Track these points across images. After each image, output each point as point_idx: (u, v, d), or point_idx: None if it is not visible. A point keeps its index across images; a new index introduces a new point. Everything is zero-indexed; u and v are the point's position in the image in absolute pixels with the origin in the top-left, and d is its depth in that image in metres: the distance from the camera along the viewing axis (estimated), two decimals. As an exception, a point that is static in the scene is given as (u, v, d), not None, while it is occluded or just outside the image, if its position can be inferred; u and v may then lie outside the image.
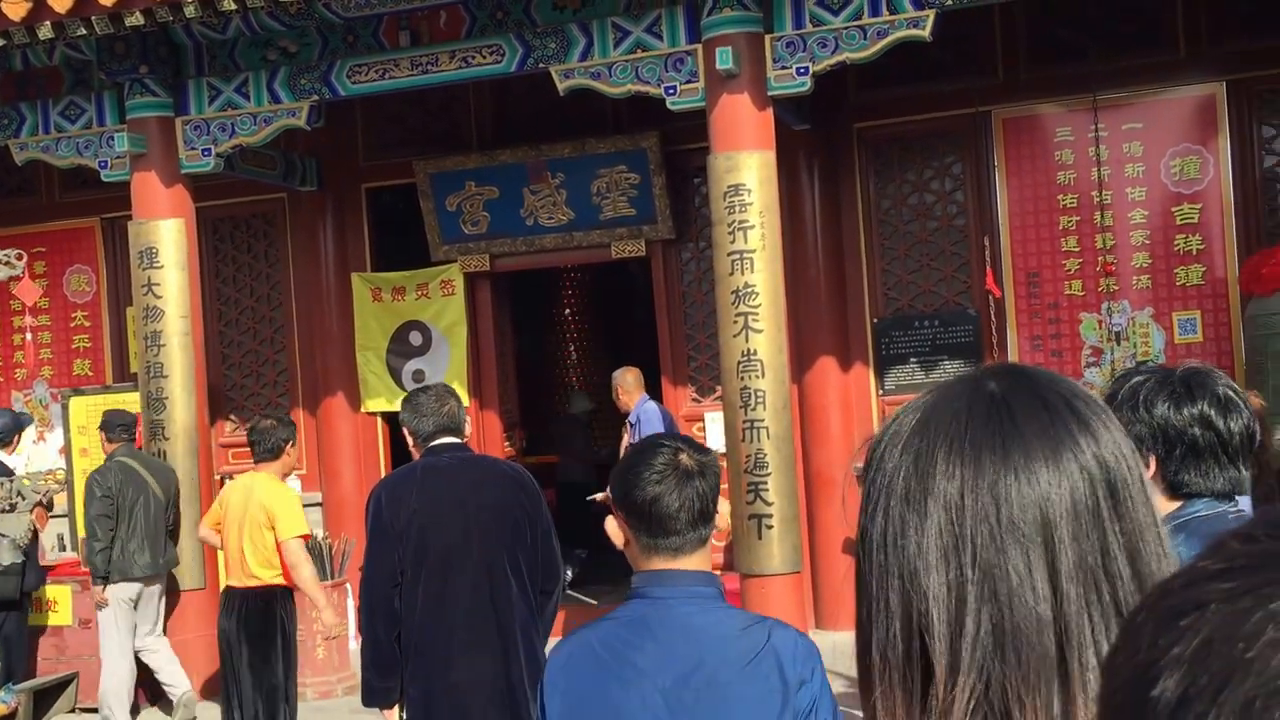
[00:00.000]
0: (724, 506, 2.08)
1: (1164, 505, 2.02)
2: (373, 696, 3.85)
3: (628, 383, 7.57)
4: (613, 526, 2.03)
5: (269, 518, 5.52)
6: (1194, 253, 7.39)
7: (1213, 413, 1.99)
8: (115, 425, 6.95)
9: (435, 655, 3.73)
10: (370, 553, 3.80)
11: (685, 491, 1.94)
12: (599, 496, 7.46)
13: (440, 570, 3.72)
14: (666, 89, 6.63)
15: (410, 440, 3.95)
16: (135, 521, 6.71)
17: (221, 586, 5.96)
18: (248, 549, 5.58)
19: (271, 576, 5.61)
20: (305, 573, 5.55)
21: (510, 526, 3.80)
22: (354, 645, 8.13)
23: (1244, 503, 2.05)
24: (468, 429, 4.04)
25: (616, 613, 2.00)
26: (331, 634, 5.66)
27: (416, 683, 3.75)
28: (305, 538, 5.64)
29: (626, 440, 7.57)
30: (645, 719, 1.87)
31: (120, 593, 6.74)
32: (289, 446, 5.70)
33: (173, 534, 7.17)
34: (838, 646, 5.82)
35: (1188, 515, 1.98)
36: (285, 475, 5.84)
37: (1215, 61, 7.31)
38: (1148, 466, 2.01)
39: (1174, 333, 7.41)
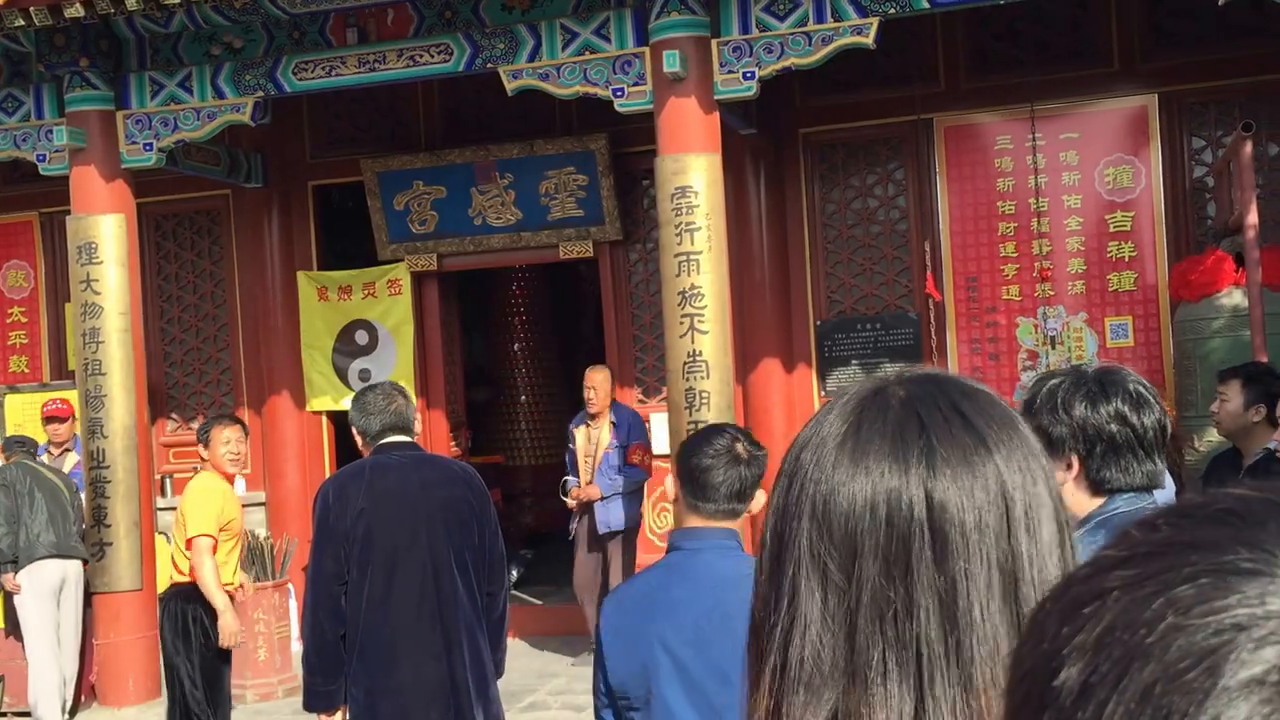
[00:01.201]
0: (760, 496, 2.41)
1: (1088, 503, 2.05)
2: (315, 700, 3.78)
3: (608, 383, 7.41)
4: (670, 483, 2.52)
5: (182, 514, 5.47)
6: (1126, 259, 7.58)
7: (1127, 409, 2.03)
8: (13, 444, 7.19)
9: (379, 656, 3.69)
10: (316, 552, 3.74)
11: (730, 472, 2.36)
12: (573, 495, 7.38)
13: (386, 570, 3.69)
14: (614, 91, 6.68)
15: (359, 440, 3.90)
16: (37, 505, 6.78)
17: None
18: (175, 546, 5.60)
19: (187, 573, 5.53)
20: (204, 574, 5.31)
21: (459, 526, 3.78)
22: (296, 647, 8.09)
23: (1161, 495, 2.11)
24: (417, 427, 4.01)
25: (658, 562, 2.45)
26: (230, 643, 5.36)
27: (359, 683, 3.71)
28: (210, 537, 5.35)
29: (607, 440, 7.31)
30: (679, 642, 2.24)
31: (35, 580, 6.70)
32: (214, 431, 5.58)
33: (85, 534, 7.16)
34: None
35: (1110, 511, 2.02)
36: (228, 465, 5.59)
37: (1148, 74, 7.51)
38: (1070, 467, 2.05)
39: (1106, 337, 7.59)
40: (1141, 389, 2.07)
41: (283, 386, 8.85)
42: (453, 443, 8.95)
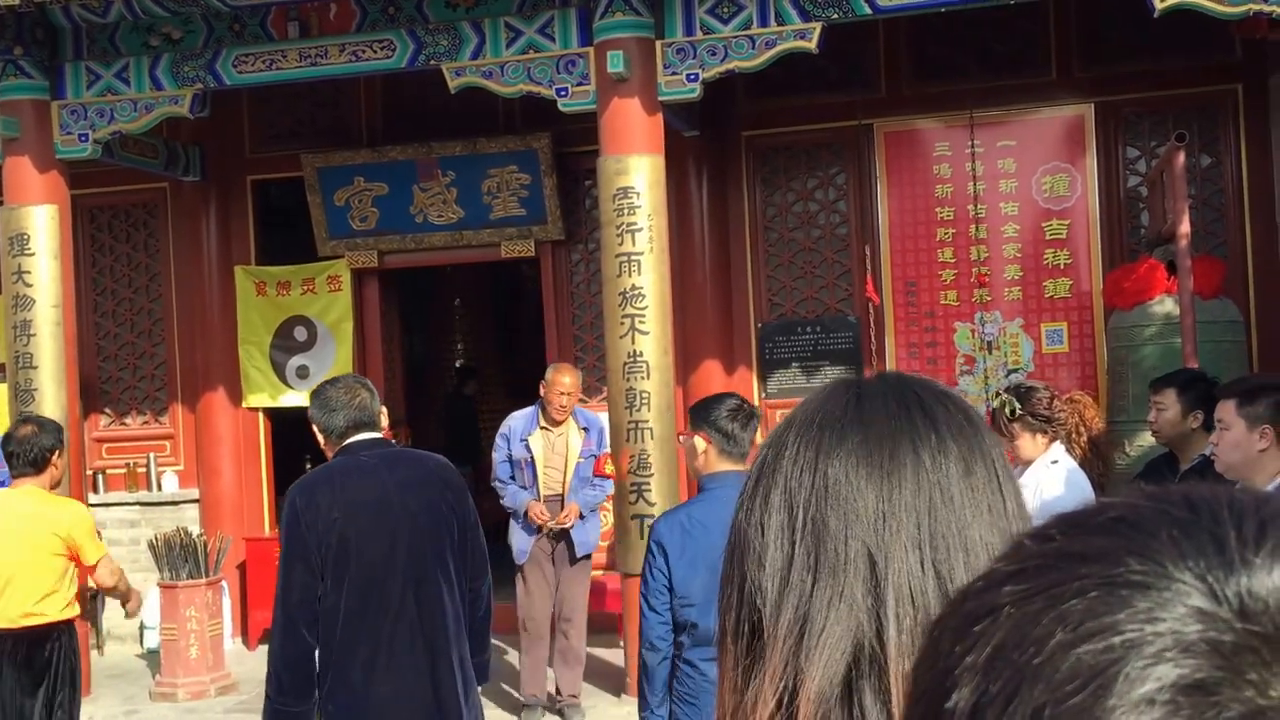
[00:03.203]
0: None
1: None
2: (281, 717, 3.49)
3: (579, 386, 6.55)
4: (698, 443, 3.33)
5: (65, 543, 4.60)
6: (1062, 267, 7.70)
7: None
8: None
9: (356, 674, 3.45)
10: (285, 565, 3.46)
11: (750, 425, 3.34)
12: (538, 517, 6.30)
13: (363, 583, 3.44)
14: (558, 90, 6.67)
15: (321, 439, 3.61)
16: None
17: None
18: (26, 581, 4.55)
19: (58, 611, 4.64)
20: (125, 584, 4.84)
21: (438, 527, 3.54)
22: (229, 645, 7.99)
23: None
24: (384, 421, 3.70)
25: (702, 496, 3.32)
26: (129, 615, 5.12)
27: (336, 701, 3.47)
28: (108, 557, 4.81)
29: (577, 448, 6.42)
30: (713, 558, 2.64)
31: None
32: (55, 456, 4.70)
33: None
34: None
35: None
36: (53, 489, 4.80)
37: (1085, 84, 7.63)
38: None
39: (1042, 343, 7.71)
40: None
41: (219, 382, 8.74)
42: (392, 441, 8.88)
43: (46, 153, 7.26)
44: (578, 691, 6.54)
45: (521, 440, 6.38)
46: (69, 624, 4.76)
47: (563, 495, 6.38)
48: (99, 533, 4.91)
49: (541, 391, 6.42)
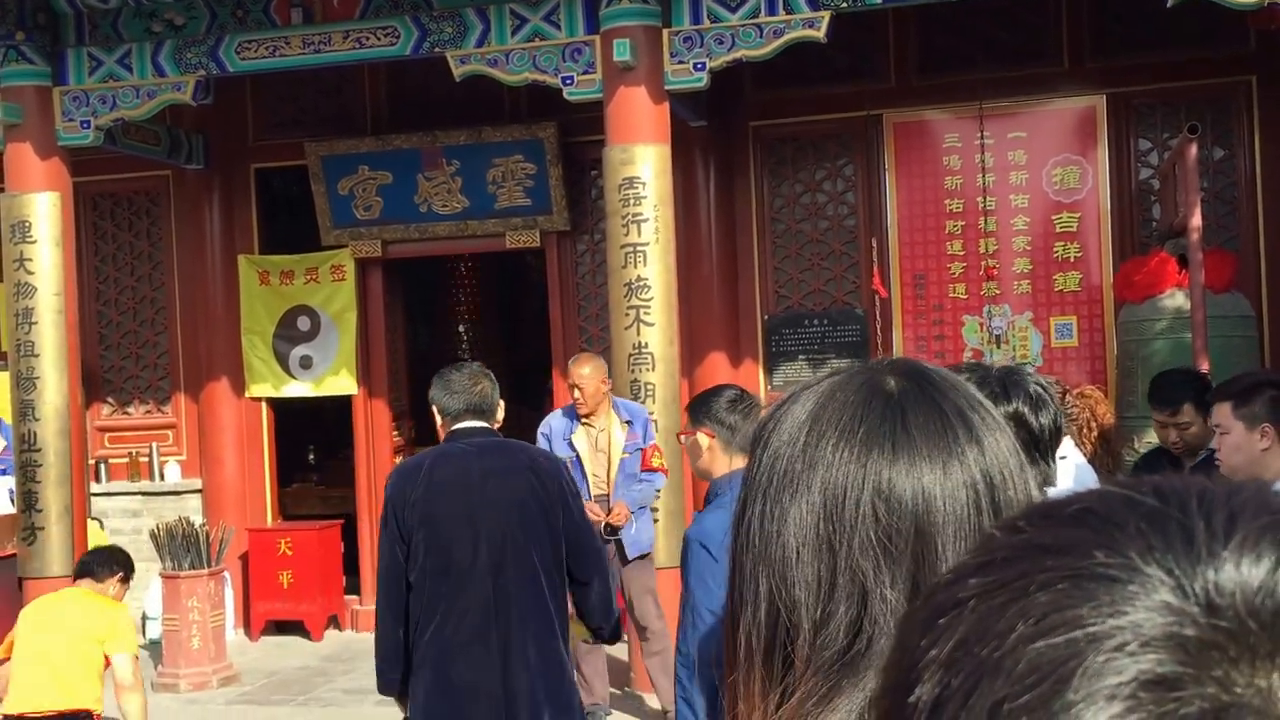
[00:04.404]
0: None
1: None
2: (383, 684, 3.70)
3: (598, 376, 6.03)
4: (702, 441, 3.17)
5: (101, 641, 4.73)
6: (1072, 260, 7.62)
7: (1026, 410, 2.02)
8: None
9: (433, 661, 3.52)
10: (381, 545, 3.63)
11: (751, 414, 3.13)
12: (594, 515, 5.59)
13: (441, 571, 3.51)
14: (564, 79, 6.61)
15: (438, 419, 3.70)
16: None
17: None
18: (66, 663, 4.70)
19: (89, 701, 4.72)
20: (136, 702, 4.72)
21: (524, 519, 3.54)
22: (231, 636, 7.96)
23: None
24: (499, 413, 3.75)
25: (725, 499, 2.96)
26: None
27: (419, 683, 3.55)
28: (136, 659, 4.86)
29: (621, 442, 5.98)
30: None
31: None
32: (113, 579, 4.99)
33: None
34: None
35: None
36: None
37: (1096, 75, 7.55)
38: None
39: (1051, 337, 7.64)
40: (1040, 389, 2.06)
41: (221, 372, 8.70)
42: (395, 433, 8.84)
43: (48, 139, 7.21)
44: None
45: (565, 440, 6.02)
46: (92, 716, 4.83)
47: (609, 494, 5.94)
48: (136, 641, 5.00)
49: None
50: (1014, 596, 0.40)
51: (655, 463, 5.91)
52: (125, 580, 5.10)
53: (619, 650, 7.18)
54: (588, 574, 3.69)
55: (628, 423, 5.95)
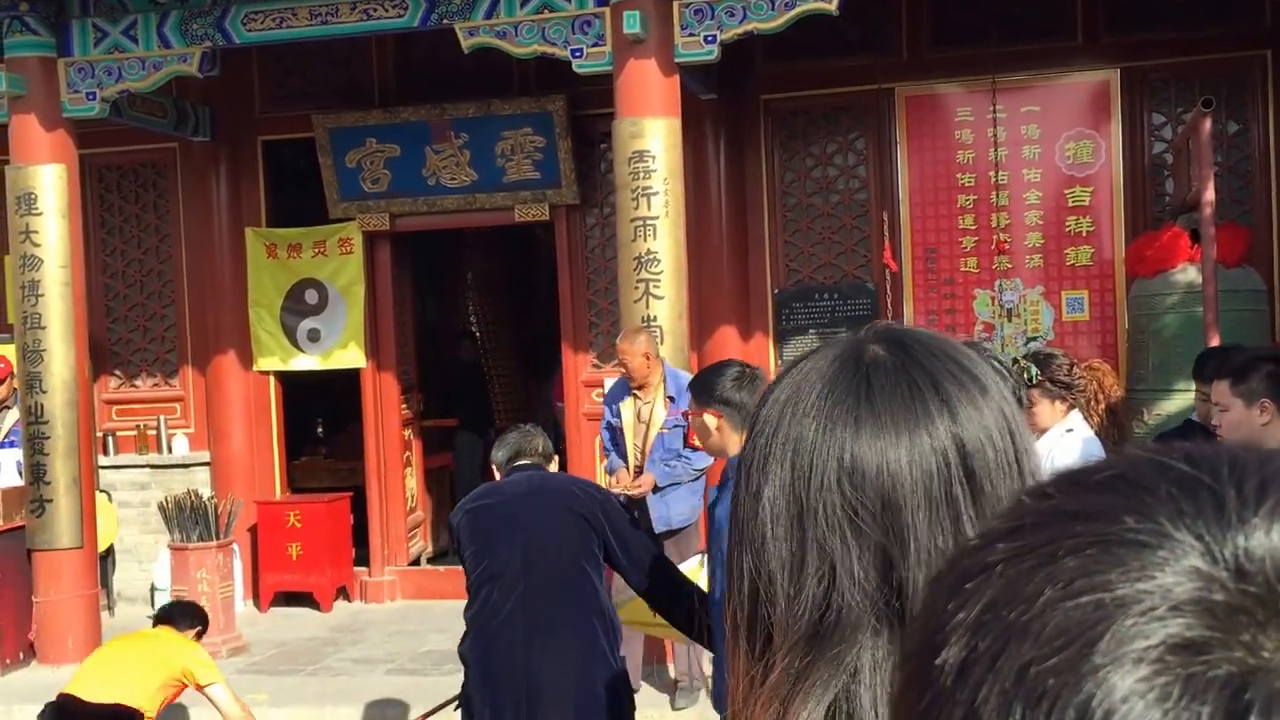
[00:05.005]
0: None
1: None
2: None
3: (643, 350, 5.89)
4: (701, 425, 3.13)
5: (177, 675, 4.94)
6: (1084, 234, 7.58)
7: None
8: None
9: (477, 654, 3.84)
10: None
11: (756, 388, 3.10)
12: (618, 483, 5.87)
13: (489, 577, 3.81)
14: (573, 51, 6.56)
15: (497, 475, 4.07)
16: None
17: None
18: (131, 667, 4.91)
19: (146, 704, 4.85)
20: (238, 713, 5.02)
21: (564, 531, 3.79)
22: (240, 608, 7.98)
23: None
24: (552, 465, 4.09)
25: (727, 483, 2.95)
26: None
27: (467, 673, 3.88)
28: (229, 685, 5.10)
29: (661, 417, 5.87)
30: None
31: None
32: (189, 631, 5.22)
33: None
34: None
35: None
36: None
37: (1111, 49, 7.48)
38: None
39: (1062, 311, 7.60)
40: (998, 364, 2.03)
41: (229, 345, 8.68)
42: (404, 406, 8.83)
43: (54, 111, 7.18)
44: (693, 672, 5.98)
45: (611, 406, 6.08)
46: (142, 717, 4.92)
47: (644, 466, 5.88)
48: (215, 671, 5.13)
49: None
50: (1042, 561, 0.40)
51: (698, 441, 5.75)
52: (200, 635, 5.33)
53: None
54: (640, 565, 3.85)
55: (670, 398, 5.83)
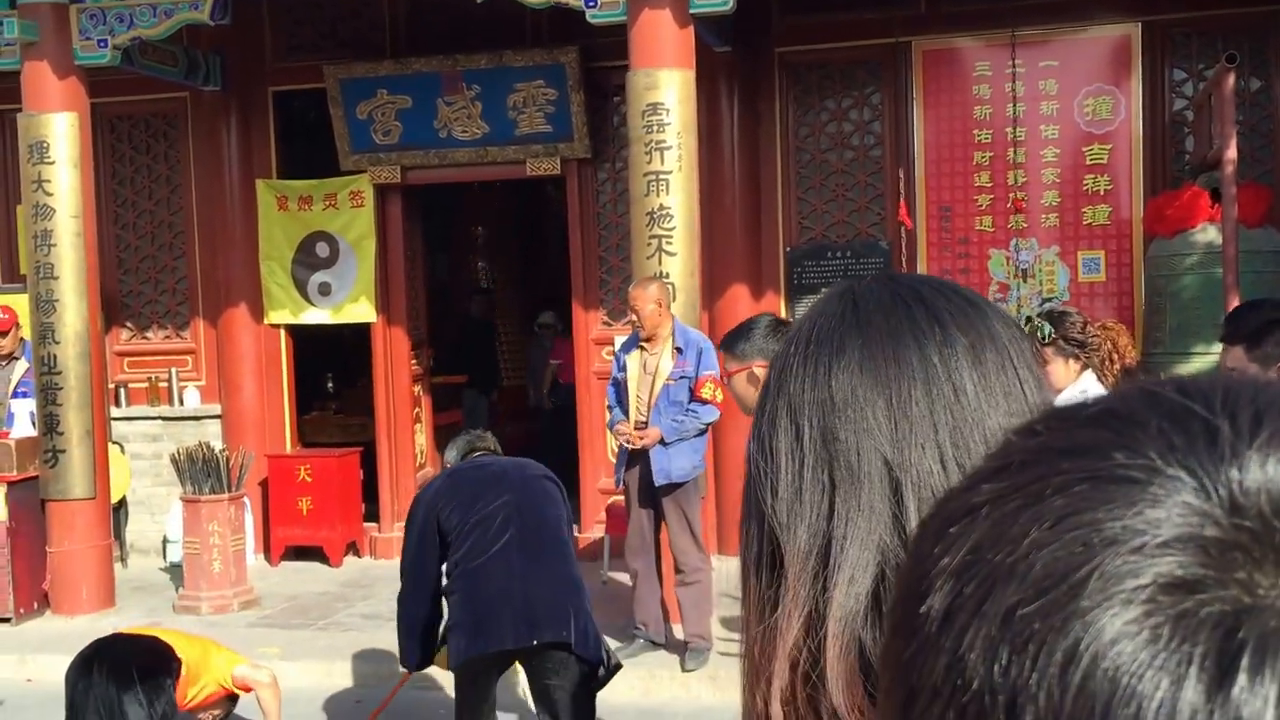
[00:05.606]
0: None
1: None
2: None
3: (655, 299, 5.83)
4: (744, 380, 3.04)
5: (213, 658, 4.85)
6: (1102, 193, 7.49)
7: None
8: None
9: (464, 585, 4.07)
10: (405, 541, 4.29)
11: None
12: (622, 434, 5.92)
13: (476, 524, 4.03)
14: (586, 2, 6.47)
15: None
16: None
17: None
18: (172, 633, 4.94)
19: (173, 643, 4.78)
20: (276, 699, 4.88)
21: (541, 491, 4.18)
22: (251, 560, 8.02)
23: None
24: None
25: None
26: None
27: (453, 603, 4.10)
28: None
29: (667, 369, 5.82)
30: None
31: None
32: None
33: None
34: (738, 572, 5.86)
35: None
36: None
37: (1131, 2, 7.36)
38: None
39: (1078, 271, 7.53)
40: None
41: (240, 298, 8.67)
42: (414, 361, 8.82)
43: (65, 59, 7.13)
44: (702, 632, 5.93)
45: (618, 359, 6.07)
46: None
47: (649, 420, 5.83)
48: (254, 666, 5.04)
49: None
50: (1029, 501, 0.39)
51: (705, 393, 5.74)
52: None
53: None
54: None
55: (678, 349, 5.81)
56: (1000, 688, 0.37)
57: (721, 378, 3.67)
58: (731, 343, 3.26)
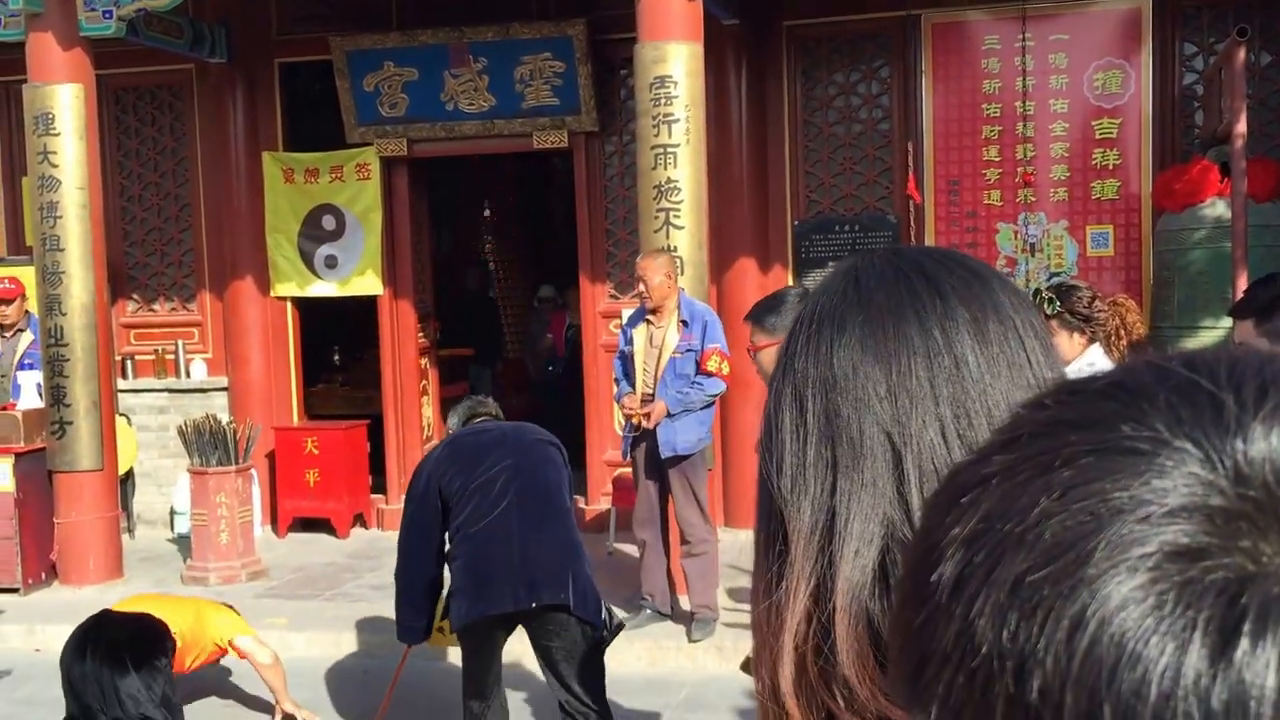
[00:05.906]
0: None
1: None
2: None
3: (663, 272, 5.82)
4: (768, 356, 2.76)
5: (211, 620, 5.02)
6: (1111, 167, 7.46)
7: None
8: None
9: (466, 550, 4.10)
10: (405, 510, 4.29)
11: None
12: (628, 408, 5.93)
13: (477, 489, 4.07)
14: (595, -27, 6.43)
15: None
16: None
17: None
18: (164, 600, 5.08)
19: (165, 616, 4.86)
20: (281, 677, 5.07)
21: (543, 457, 4.21)
22: (259, 531, 8.05)
23: None
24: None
25: None
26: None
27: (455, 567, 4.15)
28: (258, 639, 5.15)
29: (673, 342, 5.82)
30: None
31: None
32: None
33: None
34: (745, 544, 5.88)
35: None
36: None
37: (1144, -24, 7.30)
38: None
39: (1087, 246, 7.51)
40: None
41: (246, 270, 8.67)
42: (420, 334, 8.83)
43: (70, 30, 7.10)
44: (709, 603, 5.96)
45: (625, 332, 6.08)
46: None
47: (655, 392, 5.83)
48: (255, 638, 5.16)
49: None
50: (1037, 472, 0.40)
51: (711, 366, 5.74)
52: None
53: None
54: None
55: (684, 322, 5.81)
56: (1009, 653, 0.38)
57: (748, 351, 3.59)
58: (761, 315, 3.22)
